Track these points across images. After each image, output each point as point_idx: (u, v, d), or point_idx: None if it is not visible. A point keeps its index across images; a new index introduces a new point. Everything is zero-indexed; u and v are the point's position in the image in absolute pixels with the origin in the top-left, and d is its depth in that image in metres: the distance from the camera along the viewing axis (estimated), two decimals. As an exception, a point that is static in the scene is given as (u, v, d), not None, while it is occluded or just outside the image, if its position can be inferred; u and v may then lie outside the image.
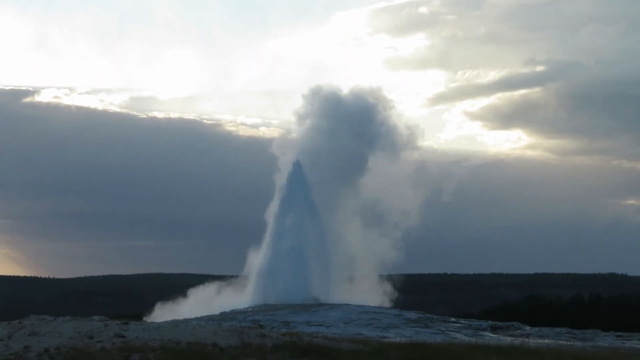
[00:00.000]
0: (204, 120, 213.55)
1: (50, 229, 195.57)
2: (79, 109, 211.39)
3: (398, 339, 26.40)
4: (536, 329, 36.15)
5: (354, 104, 53.37)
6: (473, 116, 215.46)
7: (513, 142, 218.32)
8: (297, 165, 50.74)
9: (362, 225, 51.23)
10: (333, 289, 46.91)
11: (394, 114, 54.33)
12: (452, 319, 38.53)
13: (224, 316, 37.01)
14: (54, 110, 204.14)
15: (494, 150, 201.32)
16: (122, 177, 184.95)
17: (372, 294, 48.21)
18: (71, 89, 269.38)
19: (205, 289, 51.11)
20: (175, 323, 25.32)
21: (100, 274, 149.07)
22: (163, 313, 47.03)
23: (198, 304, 47.67)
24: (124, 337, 18.68)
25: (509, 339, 29.28)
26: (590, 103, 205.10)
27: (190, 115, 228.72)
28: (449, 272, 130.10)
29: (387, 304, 47.74)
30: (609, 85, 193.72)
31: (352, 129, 52.25)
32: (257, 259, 48.99)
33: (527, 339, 28.95)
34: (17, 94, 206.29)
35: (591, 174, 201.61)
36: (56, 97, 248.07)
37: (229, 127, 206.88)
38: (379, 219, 51.33)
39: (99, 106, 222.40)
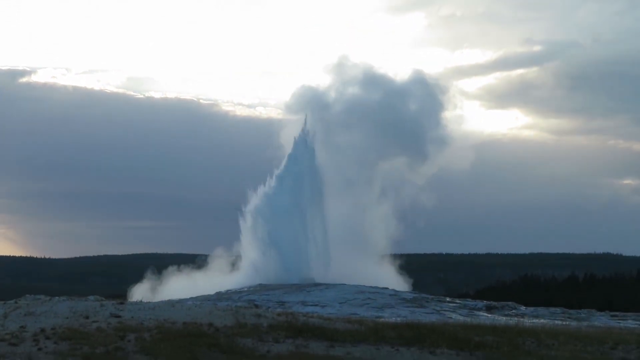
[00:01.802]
0: (201, 101, 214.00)
1: (46, 209, 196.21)
2: (76, 89, 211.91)
3: (393, 318, 26.43)
4: (531, 308, 36.24)
5: (417, 94, 51.35)
6: (470, 96, 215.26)
7: (510, 122, 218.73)
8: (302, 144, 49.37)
9: (364, 205, 50.69)
10: (331, 269, 46.46)
11: (457, 117, 53.22)
12: (448, 299, 38.66)
13: (220, 296, 37.06)
14: (50, 90, 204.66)
15: (490, 130, 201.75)
16: (118, 157, 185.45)
17: (372, 274, 47.84)
18: (68, 69, 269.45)
19: (200, 269, 50.96)
20: (171, 303, 25.30)
21: (95, 254, 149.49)
22: (156, 291, 46.92)
23: (191, 283, 47.53)
24: (119, 317, 18.70)
25: (504, 318, 29.36)
26: (587, 83, 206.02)
27: (187, 95, 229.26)
28: (444, 252, 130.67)
29: (391, 284, 47.16)
30: (606, 65, 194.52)
31: (407, 120, 50.19)
32: (253, 239, 48.65)
33: (522, 319, 29.06)
34: (14, 74, 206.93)
35: (588, 154, 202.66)
36: (53, 77, 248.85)
37: (226, 107, 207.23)
38: (381, 199, 50.75)
39: (96, 86, 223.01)
